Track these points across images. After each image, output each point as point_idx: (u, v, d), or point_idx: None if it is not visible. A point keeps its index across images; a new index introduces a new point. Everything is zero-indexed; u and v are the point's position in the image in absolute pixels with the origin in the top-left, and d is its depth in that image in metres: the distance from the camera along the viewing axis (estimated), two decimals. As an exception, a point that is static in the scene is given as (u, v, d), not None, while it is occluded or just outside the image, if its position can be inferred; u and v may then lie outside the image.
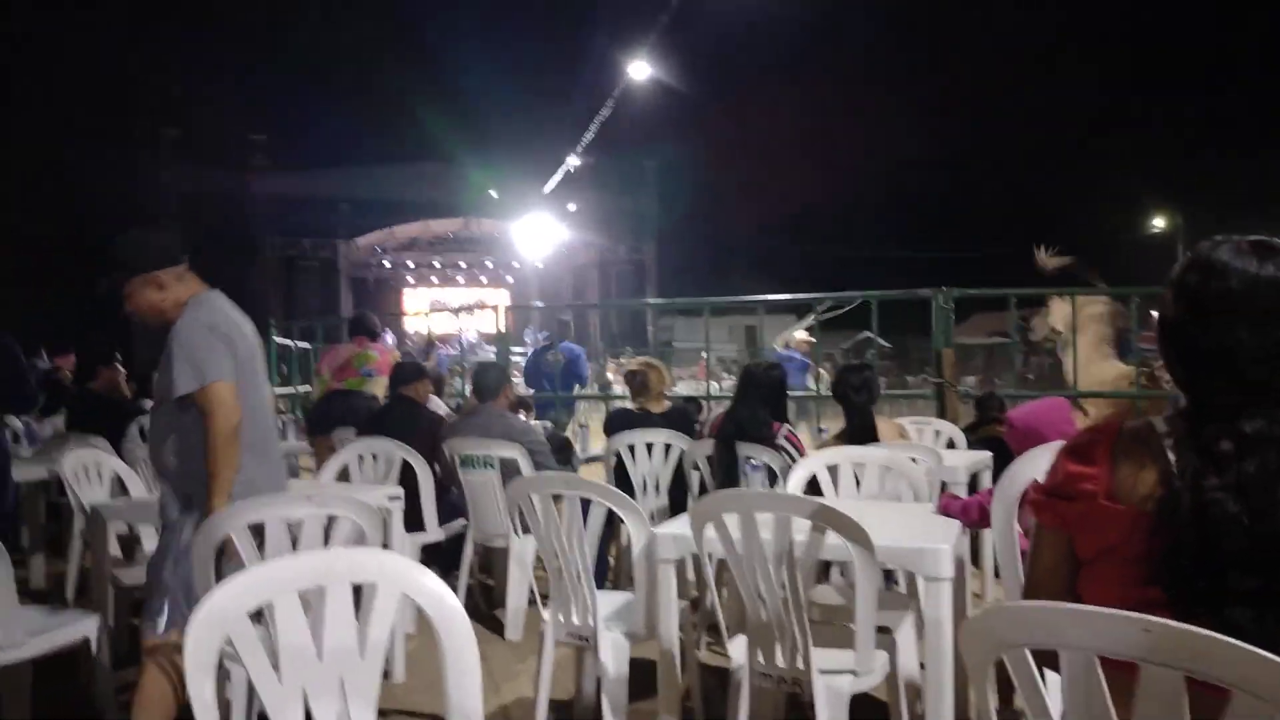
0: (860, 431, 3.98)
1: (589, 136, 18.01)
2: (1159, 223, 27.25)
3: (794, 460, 4.18)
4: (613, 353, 22.76)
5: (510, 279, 31.38)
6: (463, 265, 30.77)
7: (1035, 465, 2.52)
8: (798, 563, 2.38)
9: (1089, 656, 1.19)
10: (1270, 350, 1.30)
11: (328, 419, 5.33)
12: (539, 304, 25.23)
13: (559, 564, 2.85)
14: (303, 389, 9.21)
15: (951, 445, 5.30)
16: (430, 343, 25.98)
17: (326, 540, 2.59)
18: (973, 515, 2.70)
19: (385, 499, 3.79)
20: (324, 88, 29.43)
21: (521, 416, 5.38)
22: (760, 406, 4.14)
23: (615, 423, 4.66)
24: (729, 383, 20.20)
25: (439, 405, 5.48)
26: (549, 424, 5.58)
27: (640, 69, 13.77)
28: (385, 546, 3.94)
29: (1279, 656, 1.03)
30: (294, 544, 2.55)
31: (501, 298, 30.98)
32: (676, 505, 4.49)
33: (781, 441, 4.31)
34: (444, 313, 30.57)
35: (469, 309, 30.52)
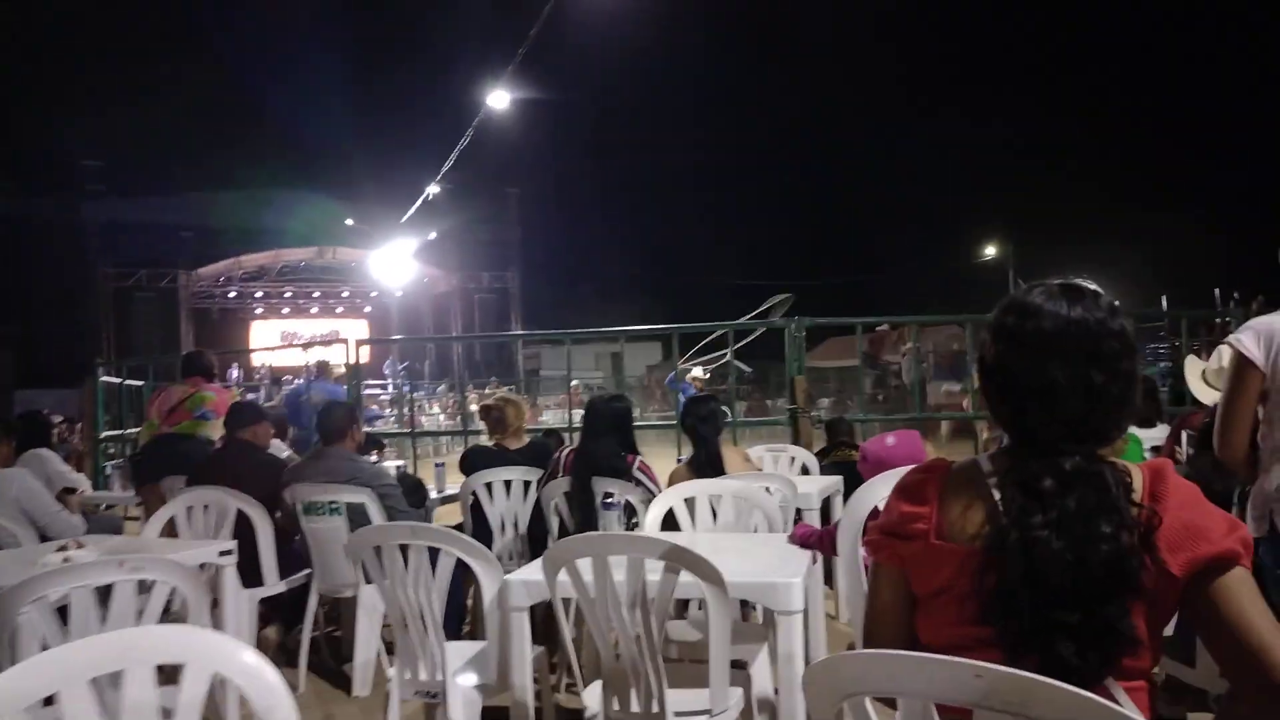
0: (707, 462, 4.02)
1: (448, 165, 17.68)
2: (991, 250, 29.09)
3: (652, 492, 4.17)
4: (477, 383, 22.35)
5: (368, 309, 30.48)
6: (316, 296, 29.64)
7: (876, 493, 2.57)
8: (651, 605, 2.33)
9: (925, 703, 1.18)
10: (1083, 386, 1.36)
11: (156, 466, 4.94)
12: (396, 337, 24.57)
13: (405, 617, 2.70)
14: (133, 432, 8.58)
15: (805, 471, 5.42)
16: (277, 379, 24.89)
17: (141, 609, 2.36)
18: (823, 546, 2.73)
19: (216, 554, 3.52)
20: (167, 111, 27.89)
21: (374, 457, 5.14)
22: (609, 439, 4.10)
23: (471, 461, 4.52)
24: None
25: (280, 449, 5.18)
26: (402, 463, 5.35)
27: (500, 98, 13.66)
28: (215, 606, 3.67)
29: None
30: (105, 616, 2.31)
31: (359, 329, 30.07)
32: (537, 543, 4.38)
33: (637, 473, 4.29)
34: (295, 347, 29.54)
35: (324, 342, 29.55)
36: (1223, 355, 3.93)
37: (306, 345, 28.93)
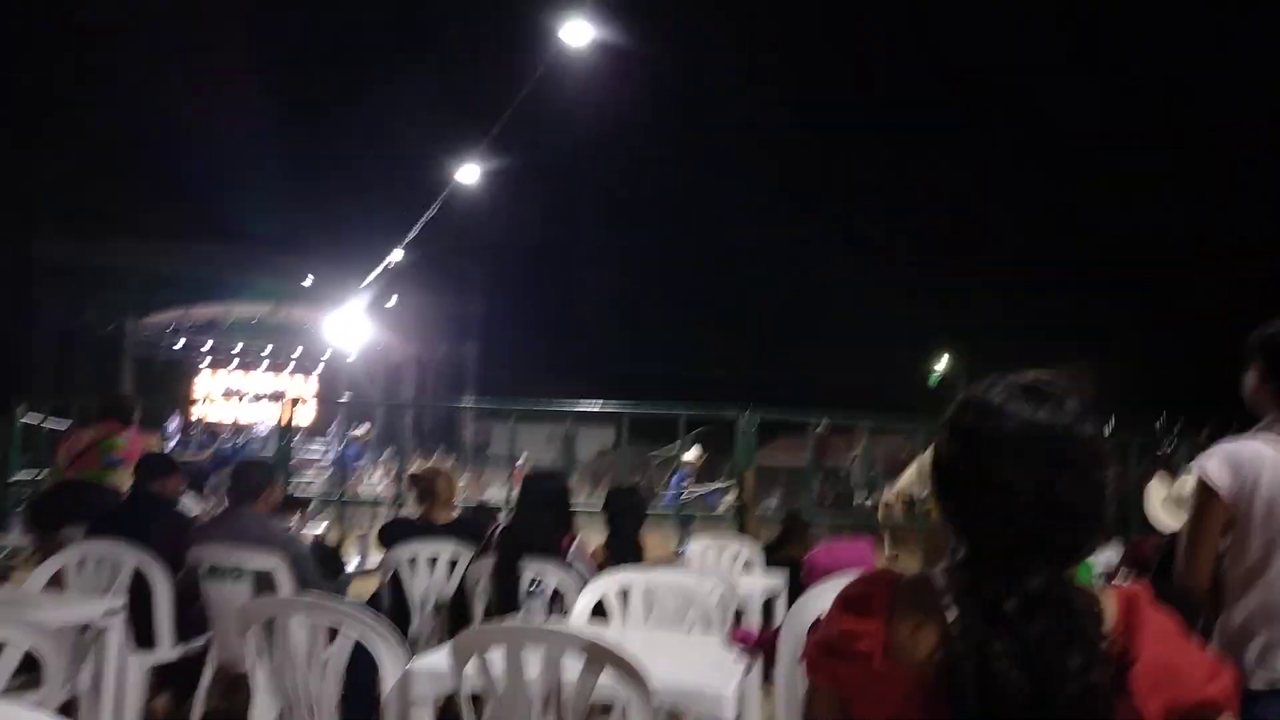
0: (623, 550, 3.87)
1: (415, 231, 17.60)
2: (942, 364, 29.60)
3: (584, 578, 3.94)
4: (424, 451, 21.82)
5: (318, 370, 29.88)
6: (266, 354, 29.04)
7: (821, 601, 2.39)
8: (567, 707, 2.10)
9: None
10: (1045, 499, 1.22)
11: (55, 513, 4.58)
12: (345, 398, 24.05)
13: (291, 700, 2.42)
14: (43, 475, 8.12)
15: (748, 567, 5.21)
16: (214, 433, 24.08)
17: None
18: (762, 651, 2.52)
19: (101, 613, 3.20)
20: (123, 156, 27.54)
21: (293, 520, 4.83)
22: (543, 516, 3.89)
23: (392, 533, 4.24)
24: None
25: (191, 506, 4.84)
26: (324, 525, 5.03)
27: (469, 172, 13.67)
28: (99, 671, 3.34)
29: None
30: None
31: (307, 389, 29.46)
32: (460, 628, 4.08)
33: (572, 557, 4.06)
34: (237, 399, 28.77)
35: (272, 397, 28.81)
36: (1186, 483, 3.88)
37: (256, 397, 28.29)
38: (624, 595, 3.33)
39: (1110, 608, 1.21)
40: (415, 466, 4.94)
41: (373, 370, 28.83)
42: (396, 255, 20.23)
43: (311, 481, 15.46)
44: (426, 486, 4.34)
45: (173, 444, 24.19)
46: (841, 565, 2.58)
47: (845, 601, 1.31)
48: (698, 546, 5.24)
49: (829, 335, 34.25)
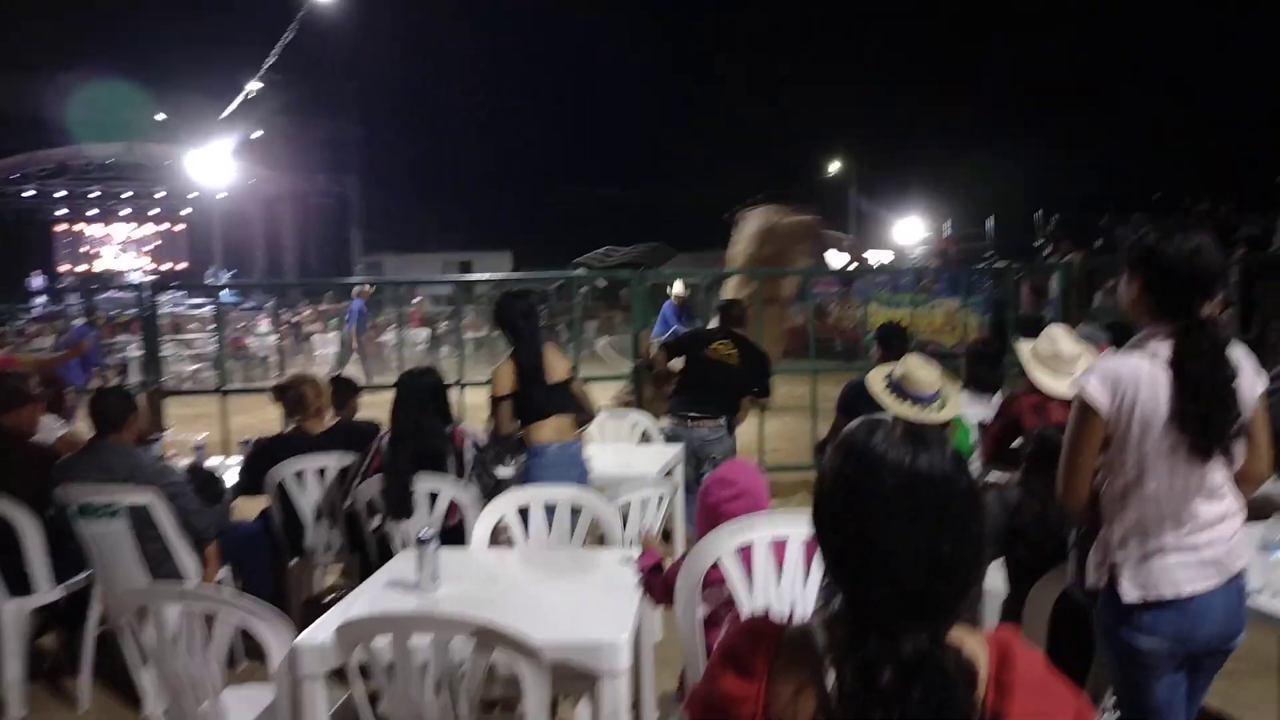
0: (529, 365, 3.91)
1: (272, 59, 16.15)
2: (834, 167, 29.66)
3: (481, 456, 3.91)
4: (311, 299, 21.03)
5: (187, 212, 28.07)
6: (127, 197, 26.97)
7: (716, 547, 2.39)
8: (460, 688, 2.08)
9: None
10: (929, 556, 1.18)
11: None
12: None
13: (174, 687, 2.34)
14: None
15: (646, 438, 5.25)
16: (87, 288, 22.56)
17: None
18: (658, 594, 2.53)
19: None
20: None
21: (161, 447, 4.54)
22: (424, 418, 3.79)
23: (271, 453, 4.06)
24: (444, 327, 19.48)
25: (53, 428, 4.50)
26: (204, 436, 4.75)
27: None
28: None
29: None
30: None
31: (179, 235, 27.79)
32: (355, 536, 4.02)
33: (468, 452, 4.00)
34: (110, 248, 26.77)
35: (139, 244, 27.06)
36: (1055, 338, 3.99)
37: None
38: (523, 513, 3.30)
39: (983, 659, 1.20)
40: (279, 378, 4.66)
41: (247, 210, 27.19)
42: (256, 84, 18.64)
43: (195, 358, 14.69)
44: (295, 397, 4.13)
45: (40, 303, 22.81)
46: (731, 492, 2.54)
47: (728, 655, 1.28)
48: (594, 423, 5.23)
49: (722, 156, 33.73)
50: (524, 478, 3.81)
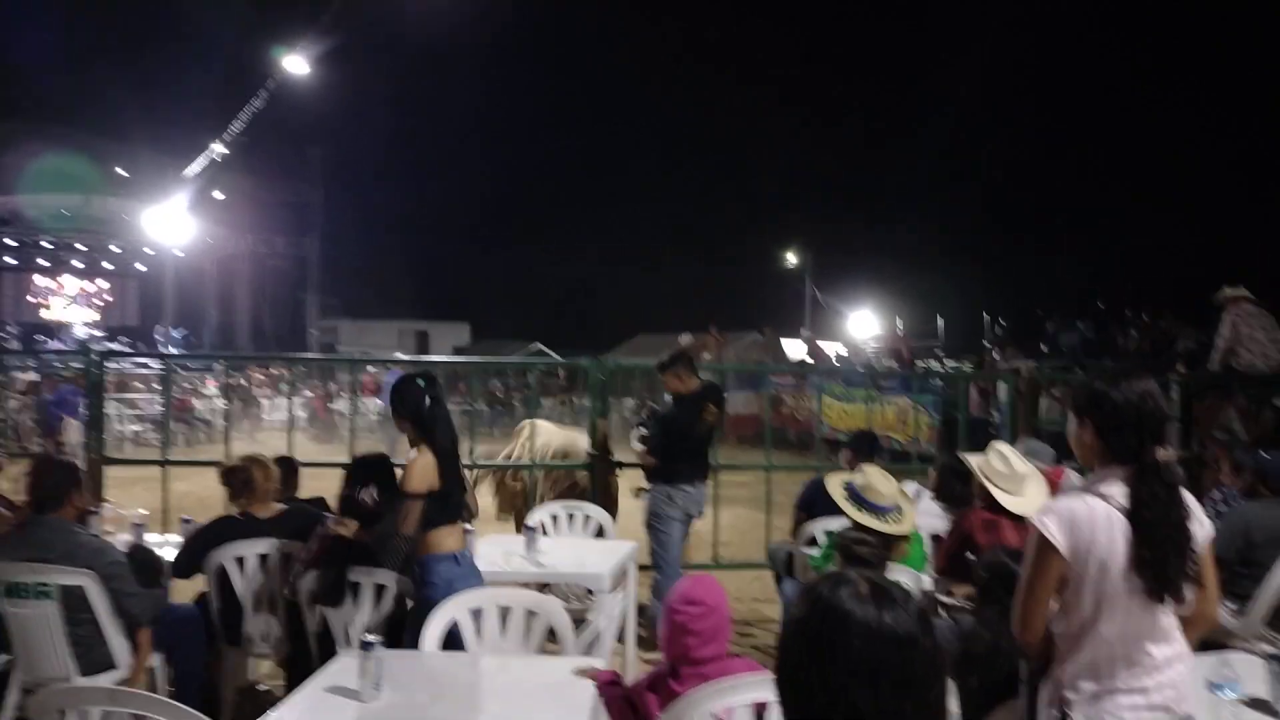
0: (451, 458, 3.55)
1: (238, 124, 16.19)
2: (790, 259, 30.30)
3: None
4: (259, 363, 20.72)
5: (142, 267, 27.62)
6: (82, 249, 26.50)
7: (701, 706, 2.33)
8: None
9: None
10: (888, 713, 1.20)
11: None
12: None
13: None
14: None
15: (601, 534, 5.19)
16: (29, 335, 21.83)
17: None
18: (617, 716, 2.47)
19: None
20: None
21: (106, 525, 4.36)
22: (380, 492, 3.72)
23: (218, 535, 3.94)
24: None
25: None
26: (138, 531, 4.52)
27: (296, 63, 12.59)
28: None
29: None
30: None
31: (130, 290, 27.32)
32: (296, 628, 3.88)
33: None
34: (59, 298, 26.06)
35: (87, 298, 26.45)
36: (1006, 455, 4.07)
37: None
38: (476, 615, 3.23)
39: None
40: (227, 459, 4.53)
41: (203, 268, 26.86)
42: (221, 147, 18.62)
43: (138, 418, 14.30)
44: (243, 480, 4.03)
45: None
46: (695, 613, 2.50)
47: None
48: (545, 514, 5.17)
49: (682, 238, 34.35)
50: (441, 593, 3.35)
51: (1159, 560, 2.08)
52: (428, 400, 3.50)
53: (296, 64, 12.63)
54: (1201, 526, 2.18)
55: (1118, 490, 2.13)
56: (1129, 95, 27.82)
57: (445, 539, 3.47)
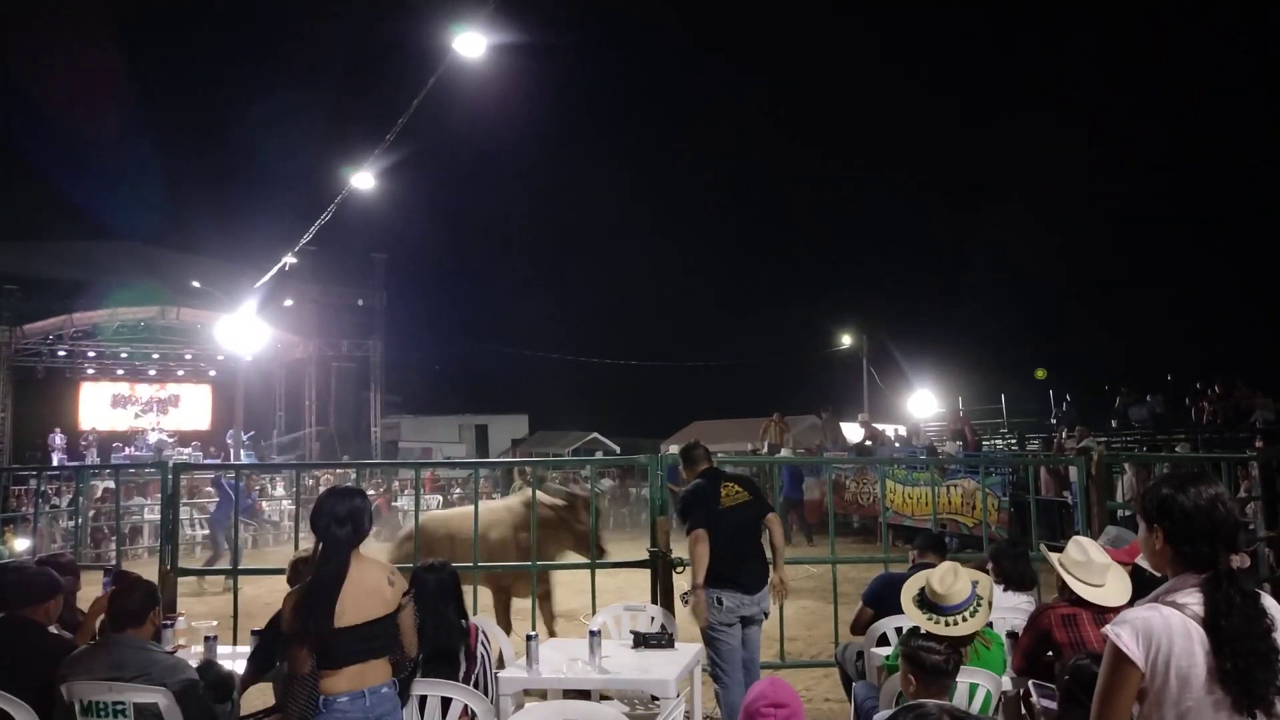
0: (321, 598, 3.15)
1: (306, 237, 16.90)
2: (845, 340, 30.15)
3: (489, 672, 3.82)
4: (329, 464, 21.12)
5: (212, 373, 28.62)
6: (155, 358, 27.60)
7: None
8: None
9: None
10: None
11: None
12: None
13: None
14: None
15: (662, 637, 5.09)
16: (105, 445, 22.52)
17: None
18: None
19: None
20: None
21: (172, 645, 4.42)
22: (445, 611, 3.80)
23: (272, 634, 3.93)
24: (458, 494, 19.42)
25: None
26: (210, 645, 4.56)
27: (364, 179, 13.18)
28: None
29: None
30: None
31: (201, 395, 28.27)
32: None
33: (481, 649, 3.95)
34: (134, 406, 27.15)
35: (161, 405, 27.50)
36: (1084, 545, 3.95)
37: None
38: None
39: None
40: (299, 552, 4.57)
41: (272, 372, 27.73)
42: (290, 258, 19.42)
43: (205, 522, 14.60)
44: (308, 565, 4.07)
45: (57, 457, 22.96)
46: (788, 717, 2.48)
47: None
48: (609, 616, 5.13)
49: (737, 329, 34.50)
50: None
51: (1243, 672, 1.99)
52: (336, 523, 3.21)
53: (363, 179, 13.20)
54: None
55: (1193, 599, 2.06)
56: (1196, 161, 27.59)
57: (328, 681, 3.15)
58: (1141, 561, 3.40)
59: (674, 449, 8.77)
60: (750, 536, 5.00)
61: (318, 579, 3.17)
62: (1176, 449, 12.33)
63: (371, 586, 3.21)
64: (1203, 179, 26.90)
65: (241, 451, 23.92)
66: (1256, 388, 13.89)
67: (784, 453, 16.98)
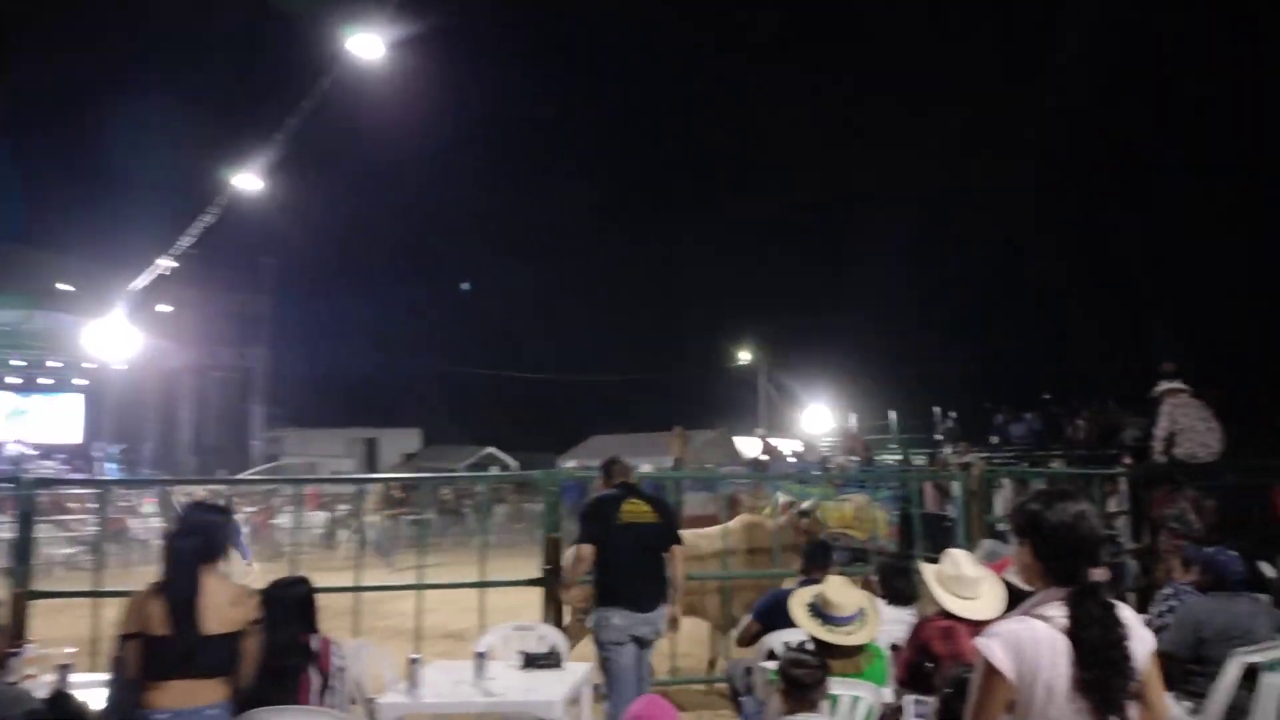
0: (177, 604, 3.21)
1: (187, 239, 16.13)
2: (744, 356, 30.66)
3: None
4: (202, 477, 20.09)
5: (83, 381, 26.88)
6: (19, 365, 25.76)
7: None
8: None
9: None
10: None
11: None
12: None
13: None
14: None
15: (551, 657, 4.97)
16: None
17: None
18: None
19: None
20: None
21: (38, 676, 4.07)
22: (290, 629, 3.72)
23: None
24: (344, 508, 18.71)
25: None
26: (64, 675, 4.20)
27: (249, 180, 12.67)
28: None
29: None
30: None
31: (72, 405, 26.56)
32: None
33: (337, 661, 3.82)
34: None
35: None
36: (957, 560, 4.05)
37: None
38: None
39: None
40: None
41: (146, 381, 26.22)
42: (168, 261, 18.49)
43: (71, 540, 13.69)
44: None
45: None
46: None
47: None
48: (498, 637, 4.98)
49: (630, 341, 34.63)
50: None
51: (1101, 681, 2.10)
52: (185, 535, 3.32)
53: (247, 180, 12.69)
54: (1142, 643, 2.21)
55: (1059, 612, 2.17)
56: (1068, 190, 29.14)
57: (157, 694, 3.14)
58: (1010, 576, 3.53)
59: (571, 464, 8.71)
60: (648, 556, 4.89)
61: (183, 584, 3.19)
62: (1052, 465, 12.94)
63: (229, 599, 3.27)
64: (1079, 198, 28.45)
65: (106, 465, 22.59)
66: (1126, 407, 14.72)
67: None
